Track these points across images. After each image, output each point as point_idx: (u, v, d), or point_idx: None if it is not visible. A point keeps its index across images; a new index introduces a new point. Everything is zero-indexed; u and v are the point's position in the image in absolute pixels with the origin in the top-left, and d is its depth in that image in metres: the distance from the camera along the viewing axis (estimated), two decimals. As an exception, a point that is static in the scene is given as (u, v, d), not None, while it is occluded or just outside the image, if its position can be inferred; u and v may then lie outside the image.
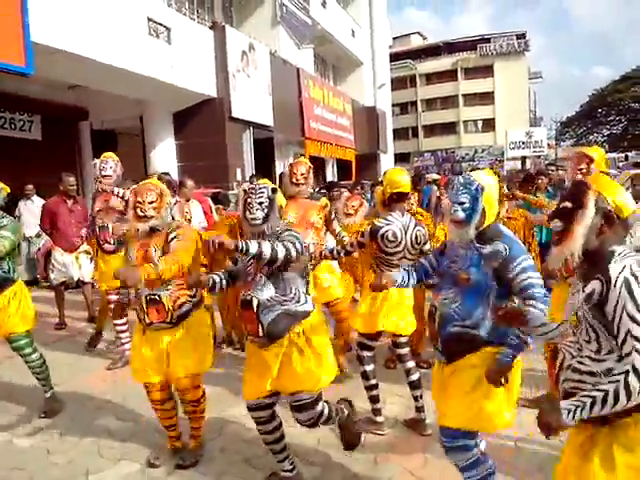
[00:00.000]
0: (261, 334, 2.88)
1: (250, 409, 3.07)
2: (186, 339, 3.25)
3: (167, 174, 6.96)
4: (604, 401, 1.73)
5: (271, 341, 2.89)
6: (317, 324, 3.01)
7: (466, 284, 2.40)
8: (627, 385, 1.70)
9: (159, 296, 3.18)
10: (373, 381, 3.84)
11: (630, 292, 1.72)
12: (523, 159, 33.51)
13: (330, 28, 22.88)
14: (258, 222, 2.93)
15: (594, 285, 1.80)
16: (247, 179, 11.79)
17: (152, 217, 3.23)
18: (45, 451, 3.68)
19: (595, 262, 1.85)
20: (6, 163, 11.60)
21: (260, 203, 2.94)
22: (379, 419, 3.84)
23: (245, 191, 3.04)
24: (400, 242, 3.68)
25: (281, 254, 2.73)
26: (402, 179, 3.80)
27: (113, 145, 16.60)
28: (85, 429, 3.96)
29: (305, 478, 3.21)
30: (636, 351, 1.71)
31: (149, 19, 12.05)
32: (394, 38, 41.29)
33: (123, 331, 5.30)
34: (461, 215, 2.49)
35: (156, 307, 3.19)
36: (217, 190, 8.48)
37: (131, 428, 3.95)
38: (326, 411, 3.06)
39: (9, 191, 4.33)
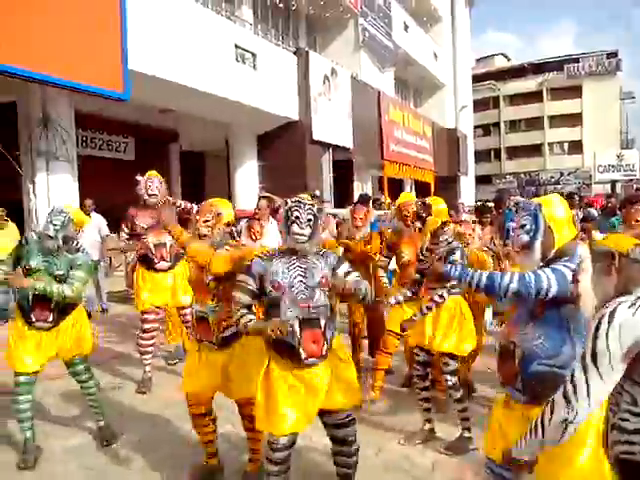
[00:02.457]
0: (324, 353, 2.80)
1: (280, 449, 2.77)
2: (242, 360, 3.21)
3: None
4: (542, 419, 1.85)
5: (324, 359, 2.82)
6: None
7: (541, 316, 2.22)
8: None
9: (206, 314, 3.22)
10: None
11: None
12: (613, 183, 32.00)
13: (412, 51, 22.98)
14: (304, 239, 2.82)
15: None
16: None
17: (205, 235, 3.34)
18: (126, 454, 3.90)
19: None
20: (101, 182, 12.44)
21: (309, 220, 2.84)
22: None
23: (288, 203, 2.91)
24: None
25: None
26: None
27: (201, 166, 17.42)
28: (162, 437, 4.16)
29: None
30: None
31: (236, 46, 12.63)
32: (477, 59, 40.88)
33: (147, 352, 5.39)
34: (525, 238, 2.36)
35: (203, 325, 3.24)
36: None
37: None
38: None
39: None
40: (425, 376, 4.03)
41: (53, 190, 9.43)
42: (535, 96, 48.63)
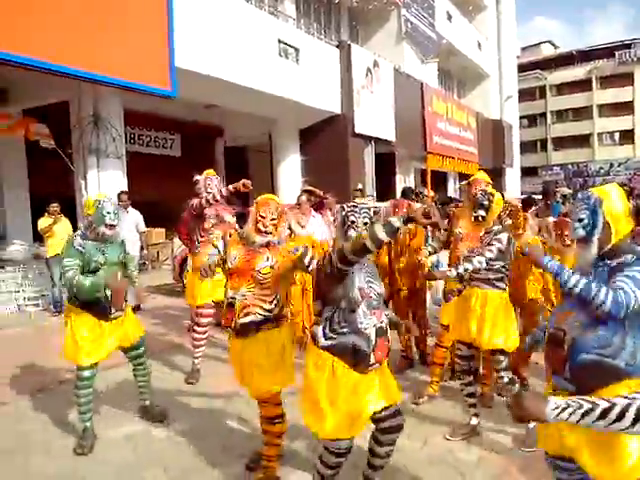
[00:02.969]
0: (384, 360, 2.88)
1: (343, 453, 2.84)
2: (259, 354, 3.24)
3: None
4: (603, 414, 1.74)
5: (380, 365, 2.89)
6: None
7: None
8: None
9: (234, 300, 3.27)
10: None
11: None
12: (667, 174, 30.81)
13: (455, 41, 22.65)
14: None
15: None
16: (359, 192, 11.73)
17: (270, 233, 3.32)
18: (177, 442, 4.05)
19: None
20: (149, 177, 12.77)
21: (365, 224, 2.91)
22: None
23: (344, 208, 2.98)
24: None
25: None
26: None
27: (244, 161, 17.64)
28: (212, 426, 4.29)
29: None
30: None
31: (279, 41, 12.72)
32: (523, 48, 39.92)
33: (201, 345, 5.52)
34: (581, 232, 2.36)
35: (230, 311, 3.29)
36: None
37: (254, 427, 4.18)
38: None
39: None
40: (469, 371, 4.05)
41: (104, 186, 9.72)
42: (583, 84, 47.18)
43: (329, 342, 2.82)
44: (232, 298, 3.28)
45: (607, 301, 2.18)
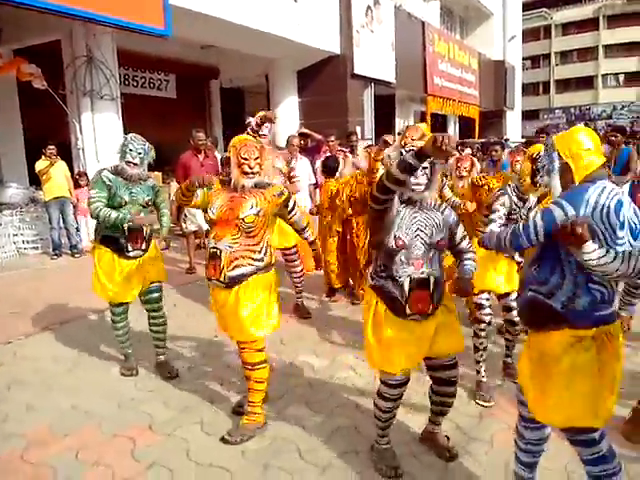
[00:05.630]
0: (429, 312, 2.79)
1: (395, 385, 2.88)
2: (245, 298, 3.18)
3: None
4: None
5: (429, 317, 2.83)
6: None
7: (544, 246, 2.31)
8: None
9: (220, 251, 3.13)
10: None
11: None
12: (671, 117, 30.41)
13: (459, -22, 21.87)
14: (421, 188, 2.73)
15: None
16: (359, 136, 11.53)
17: (257, 173, 3.24)
18: (177, 379, 4.19)
19: None
20: (144, 120, 12.54)
21: (424, 168, 2.69)
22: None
23: (402, 153, 2.72)
24: None
25: None
26: None
27: (240, 103, 17.34)
28: (212, 363, 4.43)
29: (410, 426, 3.39)
30: None
31: (277, -23, 12.25)
32: (529, -15, 38.58)
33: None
34: (544, 178, 2.57)
35: (214, 262, 3.14)
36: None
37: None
38: None
39: None
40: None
41: (98, 128, 9.60)
42: (590, 24, 45.90)
43: (373, 282, 2.87)
44: (215, 248, 3.15)
45: (507, 237, 2.40)
